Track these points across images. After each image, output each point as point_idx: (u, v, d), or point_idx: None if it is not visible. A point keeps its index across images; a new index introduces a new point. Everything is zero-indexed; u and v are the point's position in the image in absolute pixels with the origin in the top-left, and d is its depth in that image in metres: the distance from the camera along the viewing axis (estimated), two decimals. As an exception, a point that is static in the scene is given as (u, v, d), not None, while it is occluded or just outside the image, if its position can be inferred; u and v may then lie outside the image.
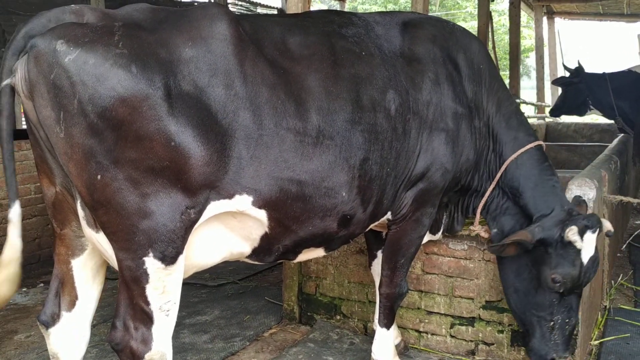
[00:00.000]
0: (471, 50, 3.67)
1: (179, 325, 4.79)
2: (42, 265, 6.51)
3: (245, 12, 14.09)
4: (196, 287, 5.78)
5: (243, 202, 2.81)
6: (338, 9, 14.14)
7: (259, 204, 2.84)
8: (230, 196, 2.77)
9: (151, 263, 2.63)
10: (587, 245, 3.35)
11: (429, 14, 5.59)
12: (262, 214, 2.89)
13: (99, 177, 2.51)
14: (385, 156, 3.19)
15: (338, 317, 4.63)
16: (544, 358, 3.47)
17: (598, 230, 3.38)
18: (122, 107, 2.47)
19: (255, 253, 3.13)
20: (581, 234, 3.32)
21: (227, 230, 2.98)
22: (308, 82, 2.94)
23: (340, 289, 4.60)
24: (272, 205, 2.88)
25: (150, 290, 2.67)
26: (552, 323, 3.45)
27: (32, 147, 2.79)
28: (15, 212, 2.62)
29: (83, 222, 2.78)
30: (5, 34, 8.40)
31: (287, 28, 3.09)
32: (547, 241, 3.37)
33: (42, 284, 5.99)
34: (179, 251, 2.68)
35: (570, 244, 3.34)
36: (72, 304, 3.00)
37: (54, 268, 3.01)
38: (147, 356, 2.71)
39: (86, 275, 3.02)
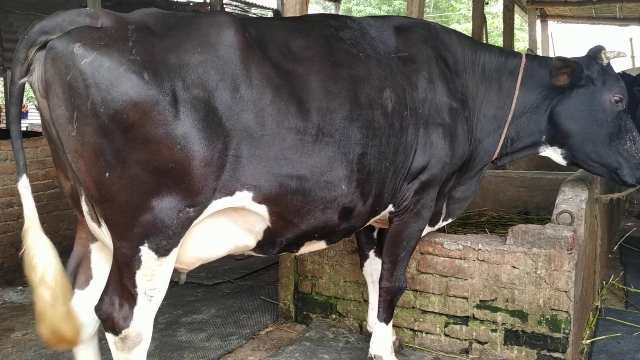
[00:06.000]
0: (453, 45, 3.84)
1: (176, 324, 4.82)
2: (37, 263, 6.52)
3: (240, 12, 14.12)
4: (192, 286, 5.82)
5: (243, 198, 2.93)
6: (333, 13, 14.23)
7: (259, 199, 2.97)
8: (231, 193, 2.90)
9: (145, 253, 2.78)
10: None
11: (420, 17, 5.67)
12: (262, 209, 3.01)
13: (107, 174, 2.65)
14: (383, 151, 3.31)
15: (334, 316, 4.67)
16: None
17: None
18: (133, 111, 2.61)
19: (260, 246, 3.24)
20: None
21: (231, 224, 3.09)
22: (309, 83, 3.06)
23: (336, 288, 4.64)
24: (272, 200, 3.00)
25: (139, 276, 2.83)
26: (627, 142, 3.82)
27: (48, 143, 2.92)
28: (23, 184, 2.74)
29: (87, 217, 2.93)
30: (1, 32, 8.39)
31: (289, 32, 3.21)
32: (591, 75, 3.78)
33: (38, 283, 6.00)
34: (173, 245, 2.83)
35: (608, 65, 3.84)
36: (86, 282, 3.16)
37: (73, 249, 3.18)
38: (124, 332, 2.88)
39: (102, 258, 3.18)
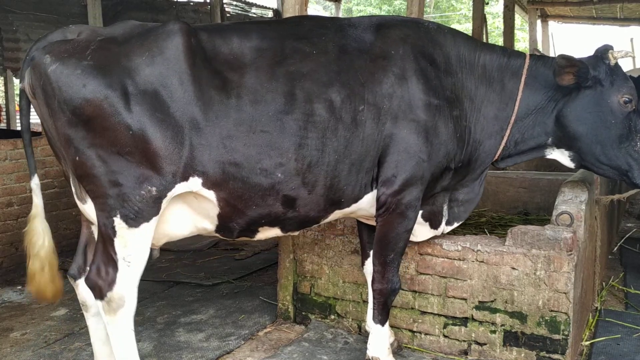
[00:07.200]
0: (446, 44, 3.82)
1: (174, 324, 4.82)
2: (37, 263, 6.51)
3: (240, 12, 14.16)
4: (191, 286, 5.82)
5: (195, 183, 3.34)
6: (334, 13, 14.24)
7: (207, 185, 3.36)
8: (186, 178, 3.31)
9: (118, 222, 3.29)
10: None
11: (419, 17, 5.66)
12: (211, 194, 3.39)
13: (77, 158, 3.24)
14: (328, 143, 3.44)
15: (332, 317, 4.66)
16: None
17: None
18: (88, 106, 3.15)
19: (218, 229, 3.61)
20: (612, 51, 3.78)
21: (188, 208, 3.50)
22: (247, 80, 3.38)
23: (334, 289, 4.63)
24: (217, 186, 3.36)
25: (117, 243, 3.33)
26: (639, 143, 3.75)
27: (46, 135, 3.50)
28: (35, 183, 3.48)
29: (75, 196, 3.50)
30: (1, 31, 8.40)
31: (245, 35, 3.52)
32: (598, 76, 3.73)
33: (37, 282, 5.99)
34: (141, 219, 3.29)
35: (615, 65, 3.77)
36: None
37: (81, 231, 3.74)
38: (108, 294, 3.36)
39: None
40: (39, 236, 3.47)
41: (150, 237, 3.39)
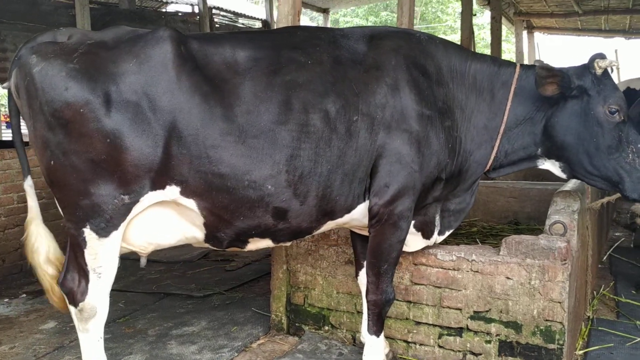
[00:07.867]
0: (437, 55, 3.81)
1: (166, 336, 4.76)
2: (24, 275, 6.42)
3: (228, 22, 14.21)
4: (182, 297, 5.76)
5: (172, 192, 3.29)
6: (322, 24, 14.31)
7: (187, 194, 3.29)
8: (162, 187, 3.27)
9: (88, 233, 3.25)
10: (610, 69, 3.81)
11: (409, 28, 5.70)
12: (191, 204, 3.33)
13: (52, 162, 3.18)
14: (322, 154, 3.40)
15: (326, 328, 4.63)
16: None
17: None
18: (68, 110, 3.10)
19: (207, 239, 3.55)
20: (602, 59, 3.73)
21: (176, 215, 3.45)
22: (240, 89, 3.32)
23: (328, 300, 4.61)
24: (199, 196, 3.30)
25: (87, 255, 3.30)
26: (630, 155, 3.69)
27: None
28: (28, 184, 3.48)
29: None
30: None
31: (240, 44, 3.47)
32: (584, 85, 3.69)
33: (24, 295, 5.91)
34: (112, 228, 3.25)
35: (603, 74, 3.71)
36: None
37: (68, 240, 3.52)
38: (80, 304, 3.37)
39: None
40: (42, 240, 3.45)
41: (119, 244, 3.34)
